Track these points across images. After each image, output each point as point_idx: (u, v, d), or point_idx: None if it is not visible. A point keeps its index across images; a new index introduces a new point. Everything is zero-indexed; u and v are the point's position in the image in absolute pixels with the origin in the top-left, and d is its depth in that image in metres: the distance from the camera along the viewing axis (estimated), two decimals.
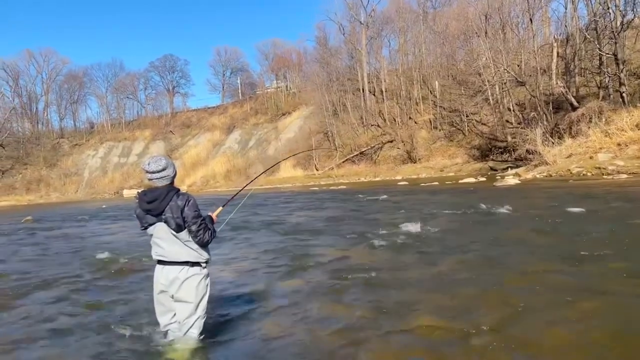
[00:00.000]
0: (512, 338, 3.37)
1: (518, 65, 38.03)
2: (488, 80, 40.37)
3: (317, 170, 55.18)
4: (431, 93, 52.20)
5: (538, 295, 4.33)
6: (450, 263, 5.94)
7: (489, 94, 41.76)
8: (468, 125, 45.89)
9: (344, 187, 34.92)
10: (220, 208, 3.90)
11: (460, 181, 26.91)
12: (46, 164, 75.00)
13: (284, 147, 64.12)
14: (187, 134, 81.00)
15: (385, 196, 19.51)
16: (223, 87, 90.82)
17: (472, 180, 27.08)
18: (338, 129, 57.07)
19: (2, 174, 64.60)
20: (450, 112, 48.53)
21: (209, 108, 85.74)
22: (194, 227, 3.38)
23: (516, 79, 36.18)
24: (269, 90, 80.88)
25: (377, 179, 43.72)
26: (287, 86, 80.00)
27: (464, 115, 46.19)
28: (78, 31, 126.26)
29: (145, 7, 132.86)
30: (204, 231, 3.42)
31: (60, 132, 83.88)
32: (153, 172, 3.36)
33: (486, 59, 39.33)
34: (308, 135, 60.36)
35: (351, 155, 53.24)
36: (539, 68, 35.17)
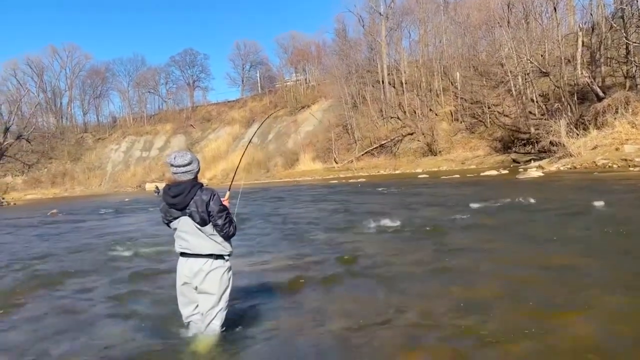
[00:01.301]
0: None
1: (542, 55, 37.25)
2: (511, 71, 39.64)
3: (336, 163, 55.11)
4: (452, 84, 51.53)
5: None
6: (473, 257, 5.86)
7: (512, 85, 41.01)
8: (490, 117, 45.22)
9: (364, 180, 34.79)
10: (228, 193, 3.90)
11: (482, 174, 26.56)
12: (70, 158, 76.55)
13: (303, 140, 64.20)
14: (208, 127, 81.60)
15: (404, 189, 19.39)
16: (242, 81, 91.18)
17: (494, 172, 26.70)
18: (357, 121, 56.83)
19: (29, 167, 66.14)
20: (471, 103, 47.86)
21: (228, 102, 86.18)
22: (219, 221, 3.41)
23: (540, 69, 35.46)
24: (288, 83, 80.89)
25: (397, 171, 43.46)
26: (306, 79, 79.86)
27: (485, 106, 45.51)
28: (100, 26, 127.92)
29: (166, 2, 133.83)
30: (229, 224, 3.47)
31: (84, 127, 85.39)
32: (178, 166, 3.38)
33: (509, 49, 38.61)
34: (327, 128, 60.25)
35: (371, 148, 52.99)
36: (563, 58, 34.37)
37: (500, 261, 5.55)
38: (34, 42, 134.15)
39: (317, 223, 10.62)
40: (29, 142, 59.33)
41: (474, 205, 11.20)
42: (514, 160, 35.93)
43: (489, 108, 45.35)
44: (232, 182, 4.11)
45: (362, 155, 53.35)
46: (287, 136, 69.89)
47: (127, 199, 34.68)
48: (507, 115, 43.45)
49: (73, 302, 5.11)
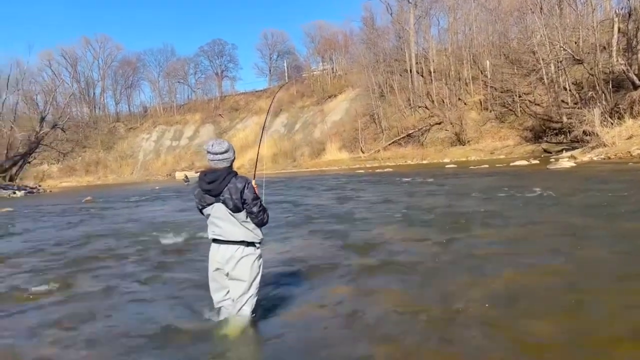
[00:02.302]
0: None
1: (575, 42, 36.13)
2: (543, 59, 38.57)
3: (362, 152, 54.91)
4: (482, 73, 50.52)
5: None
6: (497, 250, 5.86)
7: (544, 73, 39.92)
8: (521, 106, 44.22)
9: (390, 169, 34.63)
10: (253, 181, 3.99)
11: (511, 164, 26.12)
12: (103, 147, 78.51)
13: (330, 130, 64.12)
14: (235, 117, 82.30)
15: (432, 179, 19.26)
16: (270, 71, 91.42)
17: (524, 162, 26.22)
18: (385, 111, 56.38)
19: (64, 156, 68.05)
20: (501, 92, 46.86)
21: (256, 91, 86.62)
22: (255, 209, 3.53)
23: (573, 56, 34.42)
24: (315, 72, 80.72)
25: (425, 161, 43.06)
26: (333, 68, 79.54)
27: (516, 95, 44.50)
28: (131, 17, 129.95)
29: None
30: (263, 212, 3.59)
31: (116, 116, 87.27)
32: (215, 154, 3.51)
33: (541, 36, 37.56)
34: (354, 118, 59.99)
35: (398, 138, 52.58)
36: (598, 45, 33.24)
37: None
38: (67, 34, 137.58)
39: (343, 212, 10.70)
40: (64, 131, 61.06)
41: (501, 194, 11.09)
42: (545, 150, 35.13)
43: (519, 97, 44.33)
44: (255, 171, 4.22)
45: (389, 145, 52.99)
46: (314, 126, 69.92)
47: (157, 187, 35.44)
48: (538, 104, 42.42)
49: (107, 284, 5.33)
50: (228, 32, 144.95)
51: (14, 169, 50.63)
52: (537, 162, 26.51)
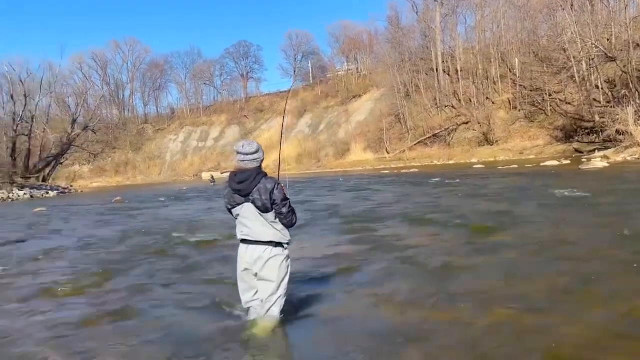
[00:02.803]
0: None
1: (608, 40, 35.13)
2: (574, 57, 37.65)
3: (388, 153, 54.59)
4: (510, 71, 49.60)
5: None
6: (527, 253, 5.70)
7: (575, 71, 38.94)
8: (551, 105, 43.26)
9: (416, 170, 34.31)
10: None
11: (542, 164, 25.56)
12: (132, 148, 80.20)
13: (354, 130, 63.96)
14: (260, 118, 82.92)
15: (459, 180, 18.99)
16: (294, 72, 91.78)
17: (555, 163, 25.63)
18: (410, 110, 55.93)
19: (94, 157, 69.71)
20: (531, 91, 45.93)
21: (280, 92, 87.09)
22: (284, 209, 3.53)
23: (606, 54, 33.47)
24: (339, 73, 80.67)
25: (451, 162, 42.54)
26: (357, 68, 79.35)
27: (546, 94, 43.56)
28: (158, 20, 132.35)
29: None
30: (292, 213, 3.60)
31: (145, 118, 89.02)
32: (246, 154, 3.52)
33: (572, 33, 36.67)
34: (379, 118, 59.68)
35: (424, 138, 52.09)
36: (631, 42, 32.24)
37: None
38: (98, 37, 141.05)
39: (368, 212, 10.63)
40: (95, 133, 62.57)
41: (533, 195, 10.83)
42: (577, 150, 34.27)
43: (550, 95, 43.37)
44: (279, 172, 4.20)
45: (415, 145, 52.54)
46: (338, 126, 69.87)
47: (185, 188, 35.97)
48: (569, 103, 41.43)
49: (137, 283, 5.41)
50: (253, 33, 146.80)
51: (47, 170, 52.10)
52: (569, 162, 25.89)
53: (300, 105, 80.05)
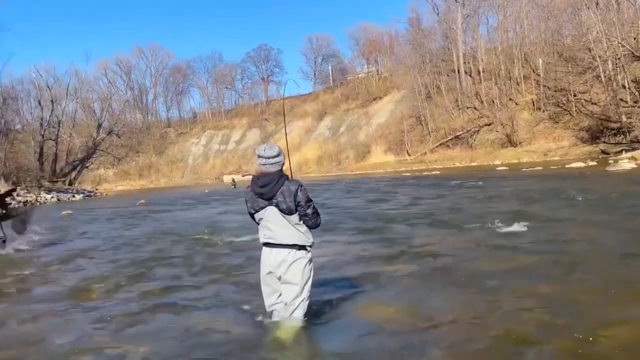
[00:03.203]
0: None
1: (634, 38, 34.34)
2: (599, 56, 36.86)
3: (409, 155, 54.27)
4: (534, 72, 48.83)
5: None
6: (545, 261, 5.58)
7: (601, 70, 38.12)
8: (576, 105, 42.43)
9: (438, 172, 34.01)
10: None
11: (567, 166, 25.07)
12: (155, 152, 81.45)
13: (375, 133, 63.75)
14: (281, 121, 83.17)
15: (481, 182, 18.75)
16: (314, 74, 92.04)
17: (580, 164, 25.10)
18: (431, 112, 55.54)
19: (119, 161, 71.09)
20: (555, 91, 45.13)
21: (301, 95, 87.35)
22: (309, 210, 3.54)
23: (632, 53, 32.72)
24: (359, 75, 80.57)
25: (474, 164, 42.06)
26: (378, 70, 79.14)
27: (571, 94, 42.74)
28: (181, 26, 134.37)
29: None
30: (316, 214, 3.61)
31: (167, 122, 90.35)
32: (268, 158, 3.52)
33: (597, 32, 35.93)
34: (400, 120, 59.38)
35: (445, 140, 51.64)
36: None
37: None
38: (122, 43, 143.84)
39: (390, 215, 10.57)
40: (119, 137, 63.85)
41: (560, 197, 10.62)
42: (603, 152, 33.52)
43: (575, 96, 42.55)
44: (291, 175, 4.19)
45: (436, 147, 52.12)
46: (359, 128, 69.75)
47: (206, 190, 36.35)
48: (595, 103, 40.57)
49: (163, 285, 5.47)
50: (273, 37, 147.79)
51: (73, 174, 53.32)
52: (595, 163, 25.35)
53: (321, 108, 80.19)
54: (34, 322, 4.39)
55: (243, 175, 69.03)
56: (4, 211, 8.40)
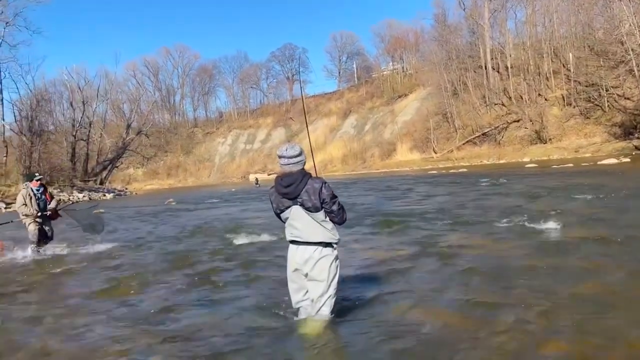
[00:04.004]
0: None
1: None
2: (632, 49, 35.71)
3: (435, 153, 53.71)
4: (564, 66, 47.65)
5: None
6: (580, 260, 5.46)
7: (634, 64, 36.91)
8: (608, 101, 41.21)
9: (465, 170, 33.58)
10: None
11: (599, 162, 24.43)
12: (183, 151, 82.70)
13: (400, 130, 63.30)
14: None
15: (505, 180, 18.43)
16: (339, 73, 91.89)
17: (613, 161, 24.43)
18: (458, 109, 54.81)
19: (148, 160, 72.48)
20: (586, 86, 43.93)
21: (325, 94, 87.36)
22: (334, 207, 3.56)
23: None
24: (384, 72, 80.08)
25: (502, 161, 41.37)
26: (403, 67, 78.50)
27: (603, 89, 41.54)
28: (207, 27, 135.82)
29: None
30: (342, 210, 3.62)
31: (194, 122, 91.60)
32: (290, 157, 3.56)
33: (630, 25, 34.84)
34: (426, 117, 58.80)
35: (472, 137, 50.91)
36: None
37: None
38: (149, 45, 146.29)
39: (417, 213, 10.50)
40: (148, 137, 65.10)
41: (596, 195, 10.38)
42: (637, 148, 32.52)
43: (607, 91, 41.34)
44: (315, 173, 4.21)
45: (463, 144, 51.44)
46: (384, 126, 69.34)
47: (233, 189, 36.76)
48: (628, 98, 39.35)
49: (191, 281, 5.58)
50: (298, 36, 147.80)
51: (104, 173, 54.66)
52: (628, 160, 24.64)
53: (345, 106, 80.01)
54: (67, 318, 4.54)
55: (269, 174, 69.52)
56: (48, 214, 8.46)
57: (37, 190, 8.34)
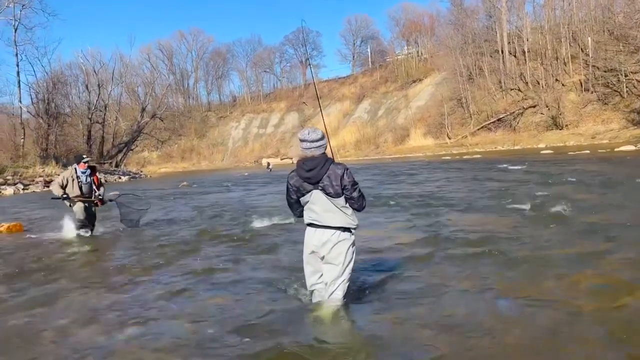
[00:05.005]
0: None
1: None
2: None
3: (449, 138, 53.30)
4: (582, 51, 46.72)
5: None
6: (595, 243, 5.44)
7: None
8: (627, 86, 40.43)
9: (479, 156, 33.30)
10: None
11: (616, 149, 24.06)
12: (197, 135, 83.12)
13: (414, 116, 62.81)
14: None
15: (521, 167, 18.25)
16: (353, 57, 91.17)
17: (631, 147, 24.05)
18: (473, 94, 54.17)
19: (162, 144, 72.81)
20: (605, 71, 43.08)
21: (339, 78, 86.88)
22: (355, 194, 3.56)
23: None
24: (399, 57, 79.23)
25: (517, 147, 40.92)
26: (418, 52, 77.57)
27: (622, 74, 40.72)
28: (221, 10, 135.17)
29: None
30: (363, 197, 3.63)
31: (208, 106, 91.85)
32: (312, 142, 3.53)
33: None
34: (440, 103, 58.22)
35: (487, 122, 50.39)
36: None
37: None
38: (164, 28, 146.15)
39: (432, 199, 10.49)
40: (162, 121, 65.24)
41: (613, 182, 10.26)
42: None
43: (626, 76, 40.51)
44: (334, 158, 4.22)
45: (478, 130, 50.94)
46: (398, 111, 68.87)
47: (246, 174, 36.93)
48: None
49: (206, 264, 5.65)
50: (312, 19, 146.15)
51: (119, 156, 55.08)
52: None
53: (359, 91, 79.52)
54: (84, 296, 4.67)
55: (282, 159, 69.66)
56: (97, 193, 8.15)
57: (83, 172, 8.04)
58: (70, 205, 8.06)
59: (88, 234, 8.12)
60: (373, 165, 32.11)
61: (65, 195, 7.89)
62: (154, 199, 16.60)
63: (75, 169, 8.03)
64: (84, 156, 8.27)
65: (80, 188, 7.97)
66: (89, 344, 3.40)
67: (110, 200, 8.68)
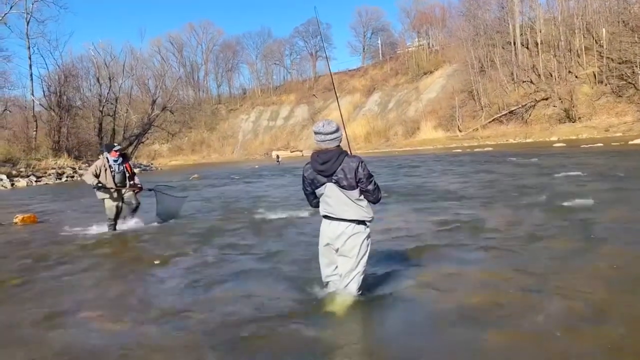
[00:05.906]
0: None
1: None
2: None
3: (460, 131, 52.95)
4: (596, 43, 46.03)
5: None
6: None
7: None
8: None
9: (491, 149, 33.06)
10: None
11: (630, 142, 23.75)
12: (207, 128, 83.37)
13: (425, 108, 62.44)
14: (329, 97, 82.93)
15: (535, 159, 18.08)
16: (364, 49, 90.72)
17: None
18: (485, 86, 53.69)
19: (172, 136, 73.11)
20: (619, 63, 42.45)
21: (349, 71, 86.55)
22: (370, 187, 3.52)
23: None
24: (409, 49, 78.68)
25: (529, 140, 40.56)
26: (429, 44, 76.97)
27: (636, 66, 40.12)
28: (230, 2, 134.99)
29: None
30: (378, 190, 3.59)
31: (218, 98, 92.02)
32: (327, 134, 3.50)
33: None
34: (451, 95, 57.78)
35: (499, 115, 49.96)
36: None
37: None
38: (174, 21, 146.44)
39: (445, 192, 10.43)
40: (172, 113, 65.39)
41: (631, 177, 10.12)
42: None
43: None
44: (350, 151, 4.18)
45: (489, 122, 50.53)
46: (408, 104, 68.52)
47: (256, 166, 37.01)
48: None
49: (219, 255, 5.68)
50: (322, 11, 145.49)
51: (130, 149, 55.39)
52: None
53: (369, 83, 79.18)
54: (98, 288, 4.72)
55: (292, 152, 69.67)
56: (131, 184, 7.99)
57: (115, 161, 7.82)
58: (108, 197, 7.74)
59: (123, 223, 8.04)
60: (381, 159, 31.99)
61: (100, 184, 7.62)
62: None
63: (107, 157, 7.79)
64: (115, 143, 8.08)
65: (113, 177, 7.73)
66: (107, 334, 3.43)
67: (150, 189, 8.52)
